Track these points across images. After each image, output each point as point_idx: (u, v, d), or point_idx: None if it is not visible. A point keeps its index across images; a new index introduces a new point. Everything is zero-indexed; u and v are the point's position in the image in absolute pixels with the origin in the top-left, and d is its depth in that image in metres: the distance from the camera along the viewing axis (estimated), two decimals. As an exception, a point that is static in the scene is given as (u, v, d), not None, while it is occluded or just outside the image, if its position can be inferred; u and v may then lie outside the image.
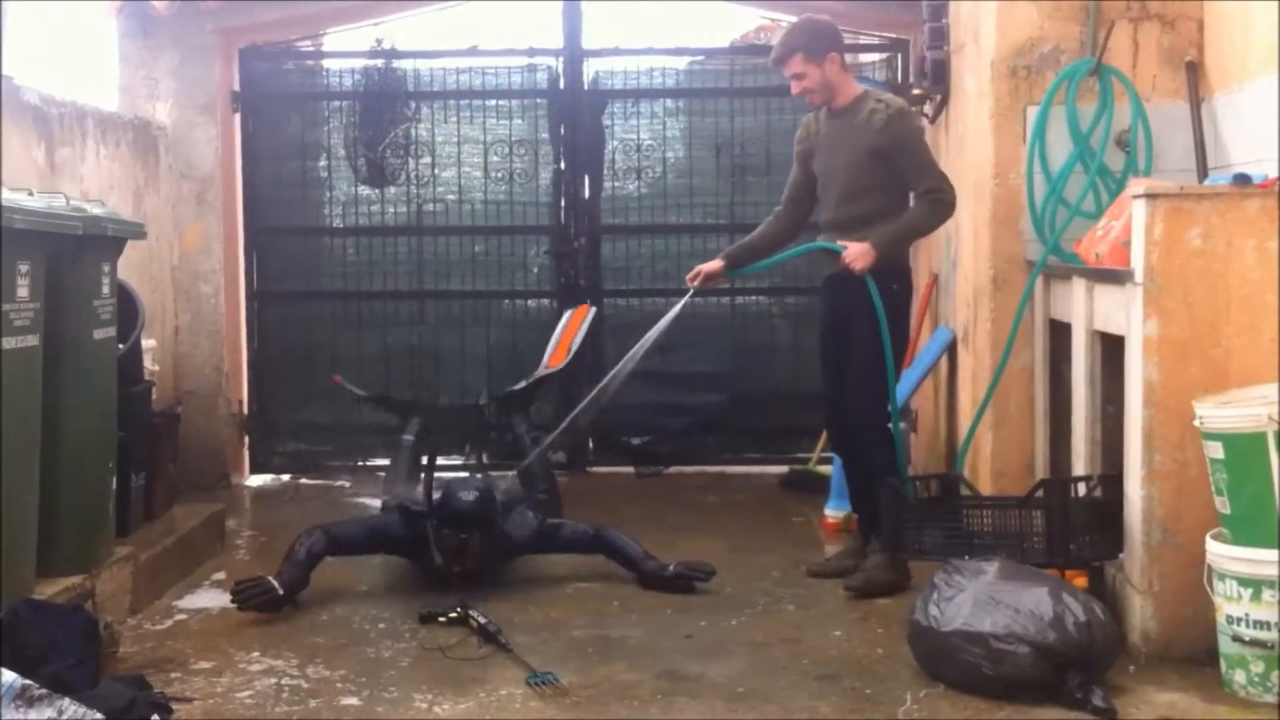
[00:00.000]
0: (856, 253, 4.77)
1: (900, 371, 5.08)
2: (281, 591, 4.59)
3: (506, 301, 7.48)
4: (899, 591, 4.73)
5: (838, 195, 4.94)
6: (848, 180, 4.90)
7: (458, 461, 6.50)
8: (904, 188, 4.92)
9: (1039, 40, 5.09)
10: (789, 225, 5.17)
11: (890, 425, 4.86)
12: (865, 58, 7.40)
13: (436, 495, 4.87)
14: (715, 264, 5.09)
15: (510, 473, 5.79)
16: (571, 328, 6.39)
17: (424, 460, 5.77)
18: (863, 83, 5.22)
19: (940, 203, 4.85)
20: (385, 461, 7.39)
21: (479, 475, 5.45)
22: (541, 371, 6.26)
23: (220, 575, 5.27)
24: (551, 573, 5.16)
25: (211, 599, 4.93)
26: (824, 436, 6.42)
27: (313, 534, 4.83)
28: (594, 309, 6.75)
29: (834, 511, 5.84)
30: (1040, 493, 4.35)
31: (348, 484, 7.25)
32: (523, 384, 6.25)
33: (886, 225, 4.82)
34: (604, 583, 5.03)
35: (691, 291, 5.06)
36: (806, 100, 4.99)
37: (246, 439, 7.40)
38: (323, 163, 7.46)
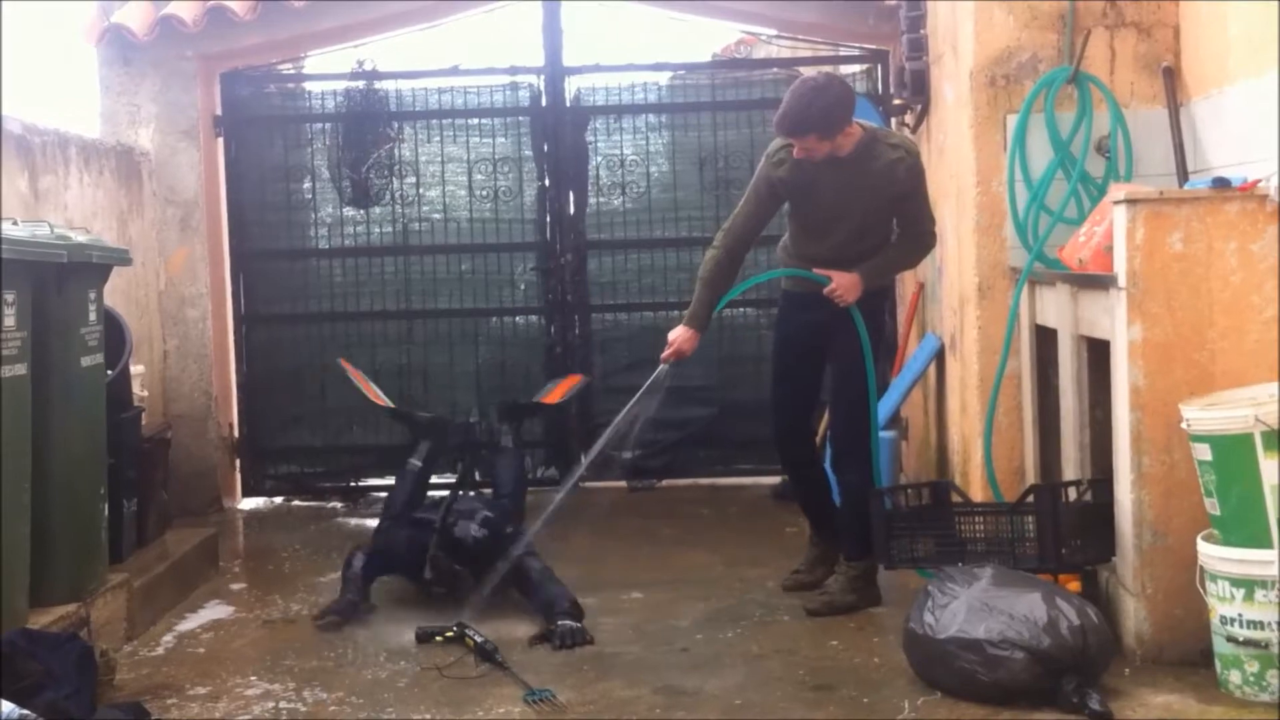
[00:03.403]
0: (847, 285, 4.70)
1: (880, 389, 5.05)
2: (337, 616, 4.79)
3: (494, 319, 7.48)
4: (862, 610, 4.72)
5: (845, 234, 4.76)
6: (863, 222, 4.74)
7: (450, 479, 6.51)
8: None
9: (1016, 49, 5.13)
10: (732, 273, 4.87)
11: (870, 447, 4.79)
12: (845, 69, 7.44)
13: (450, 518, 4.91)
14: (689, 334, 4.78)
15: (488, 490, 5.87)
16: (564, 386, 6.45)
17: (430, 480, 5.82)
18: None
19: (928, 241, 4.90)
20: (376, 482, 7.44)
21: (495, 502, 5.45)
22: (539, 398, 6.37)
23: (237, 585, 5.32)
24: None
25: (207, 624, 4.93)
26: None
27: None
28: (586, 379, 6.75)
29: (826, 521, 5.84)
30: (1031, 498, 4.37)
31: (340, 505, 7.25)
32: (525, 402, 6.38)
33: (872, 258, 4.77)
34: (598, 597, 5.03)
35: (666, 368, 4.79)
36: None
37: (237, 462, 7.39)
38: (307, 185, 7.46)
